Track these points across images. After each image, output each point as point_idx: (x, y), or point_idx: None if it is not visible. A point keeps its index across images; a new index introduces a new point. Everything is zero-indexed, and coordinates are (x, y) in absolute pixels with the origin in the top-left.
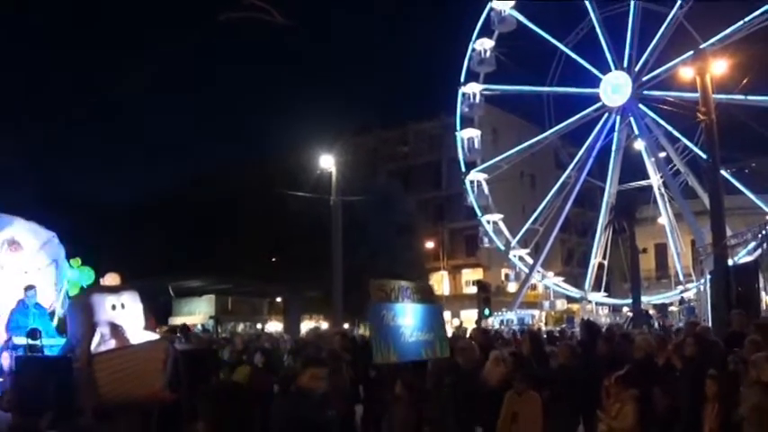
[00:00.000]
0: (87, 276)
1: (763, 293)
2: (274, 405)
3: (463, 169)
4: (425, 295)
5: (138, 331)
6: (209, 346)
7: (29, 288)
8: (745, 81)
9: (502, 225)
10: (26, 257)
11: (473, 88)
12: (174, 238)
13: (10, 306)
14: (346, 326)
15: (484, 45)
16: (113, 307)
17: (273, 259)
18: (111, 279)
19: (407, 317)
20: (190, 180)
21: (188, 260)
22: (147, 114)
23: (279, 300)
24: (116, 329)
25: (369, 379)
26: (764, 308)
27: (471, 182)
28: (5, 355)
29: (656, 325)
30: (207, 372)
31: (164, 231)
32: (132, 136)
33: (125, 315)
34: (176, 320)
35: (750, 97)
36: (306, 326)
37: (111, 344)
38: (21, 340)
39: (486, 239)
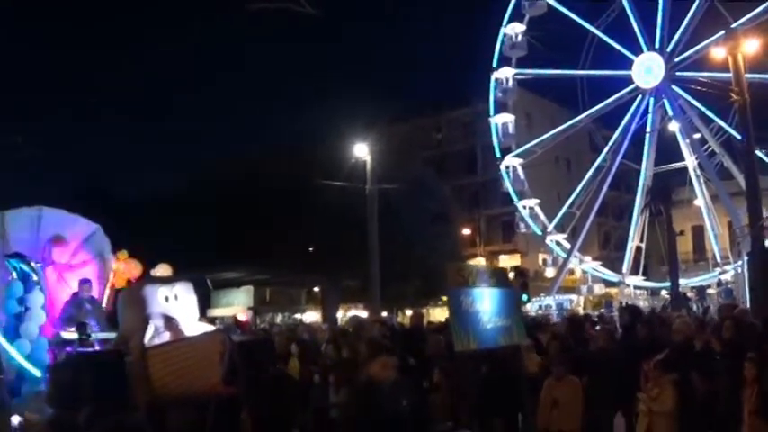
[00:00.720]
0: (134, 269)
1: None
2: (346, 395)
3: (498, 155)
4: (501, 279)
5: (192, 323)
6: (266, 336)
7: (84, 282)
8: None
9: (538, 210)
10: (71, 251)
11: (506, 73)
12: (210, 229)
13: (60, 300)
14: (384, 314)
15: (515, 29)
16: (166, 298)
17: (310, 249)
18: (162, 270)
19: (485, 302)
20: (225, 170)
21: (225, 251)
22: (182, 105)
23: (316, 289)
24: (170, 321)
25: (408, 367)
26: None
27: (507, 167)
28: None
29: (695, 308)
30: (263, 363)
31: (200, 222)
32: (168, 128)
33: (178, 307)
34: (214, 312)
35: None
36: (343, 315)
37: (165, 336)
38: (71, 334)
39: (522, 225)
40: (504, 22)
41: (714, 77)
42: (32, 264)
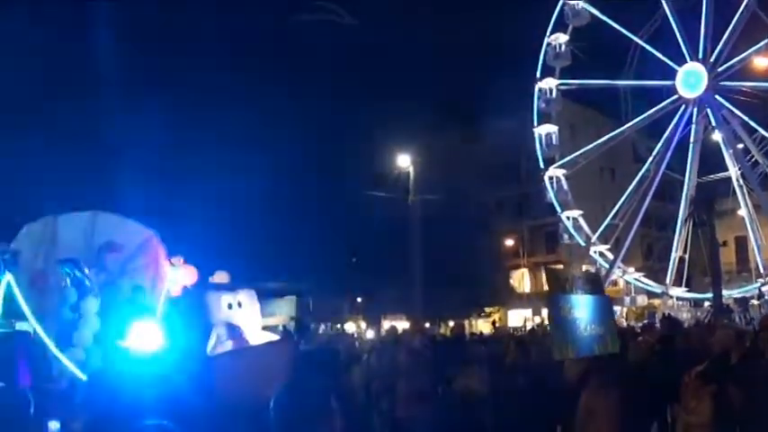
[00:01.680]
0: (190, 276)
1: None
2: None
3: (542, 165)
4: (595, 285)
5: (255, 332)
6: (330, 346)
7: (137, 289)
8: None
9: (582, 221)
10: (125, 258)
11: (549, 83)
12: (252, 237)
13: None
14: (426, 325)
15: (558, 39)
16: (230, 306)
17: (354, 259)
18: (219, 278)
19: (582, 309)
20: (270, 178)
21: (267, 261)
22: (222, 112)
23: (359, 300)
24: (233, 330)
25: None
26: None
27: (550, 178)
28: None
29: (738, 319)
30: (330, 375)
31: (243, 230)
32: (208, 137)
33: (242, 315)
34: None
35: None
36: (387, 325)
37: (228, 345)
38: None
39: (566, 236)
40: (548, 32)
41: (757, 87)
42: (86, 269)
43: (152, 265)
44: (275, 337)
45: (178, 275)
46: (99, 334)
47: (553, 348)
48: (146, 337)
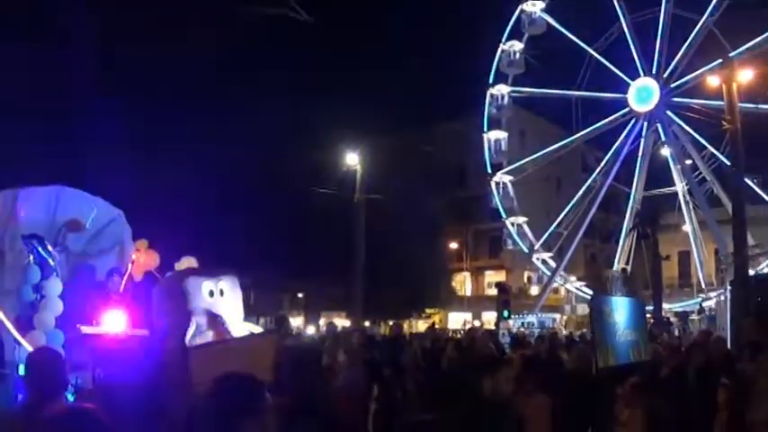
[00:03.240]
0: (153, 261)
1: None
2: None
3: (489, 170)
4: (631, 286)
5: (238, 322)
6: (314, 343)
7: (117, 273)
8: None
9: (526, 228)
10: (88, 238)
11: (501, 90)
12: (195, 230)
13: (74, 291)
14: (366, 324)
15: (513, 47)
16: (211, 293)
17: (296, 255)
18: (187, 263)
19: (620, 312)
20: (213, 173)
21: (208, 254)
22: (172, 108)
23: (300, 295)
24: (214, 319)
25: (383, 378)
26: None
27: (497, 183)
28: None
29: (677, 332)
30: (313, 373)
31: (181, 224)
32: (157, 133)
33: (224, 303)
34: None
35: None
36: (325, 322)
37: (209, 336)
38: (92, 330)
39: (509, 242)
40: (503, 39)
41: (708, 105)
42: (50, 248)
43: (116, 247)
44: (258, 329)
45: (141, 260)
46: (62, 318)
47: (598, 355)
48: (114, 324)
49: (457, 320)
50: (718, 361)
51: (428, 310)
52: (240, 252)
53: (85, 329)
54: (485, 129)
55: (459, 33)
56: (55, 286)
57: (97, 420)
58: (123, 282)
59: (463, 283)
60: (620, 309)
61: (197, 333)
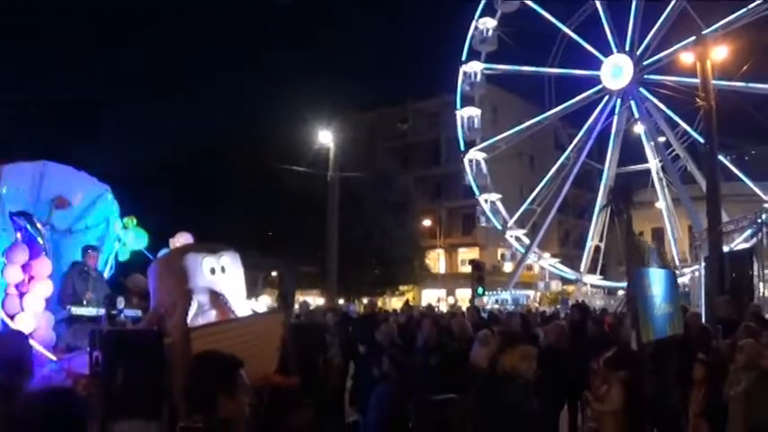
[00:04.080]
0: (141, 239)
1: (757, 281)
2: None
3: (462, 148)
4: (665, 258)
5: (240, 301)
6: (316, 322)
7: (91, 248)
8: (745, 68)
9: (499, 205)
10: (74, 215)
11: (474, 67)
12: (164, 208)
13: (60, 271)
14: (341, 301)
15: (486, 24)
16: (212, 270)
17: (270, 233)
18: (183, 239)
19: (657, 285)
20: (184, 149)
21: (181, 231)
22: (148, 83)
23: (274, 274)
24: (216, 298)
25: (358, 355)
26: (759, 295)
27: (470, 161)
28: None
29: None
30: (317, 352)
31: (154, 201)
32: (128, 105)
33: (226, 280)
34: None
35: (751, 84)
36: (299, 300)
37: (211, 316)
38: (81, 311)
39: (483, 219)
40: (476, 17)
41: (682, 82)
42: (39, 225)
43: (102, 224)
44: (261, 308)
45: (129, 238)
46: (52, 299)
47: (641, 330)
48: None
49: (431, 297)
50: (695, 336)
51: (402, 288)
52: (212, 231)
53: (76, 310)
54: (458, 106)
55: (433, 11)
56: (43, 266)
57: (76, 400)
58: (109, 260)
59: (437, 261)
60: (657, 281)
61: (199, 312)
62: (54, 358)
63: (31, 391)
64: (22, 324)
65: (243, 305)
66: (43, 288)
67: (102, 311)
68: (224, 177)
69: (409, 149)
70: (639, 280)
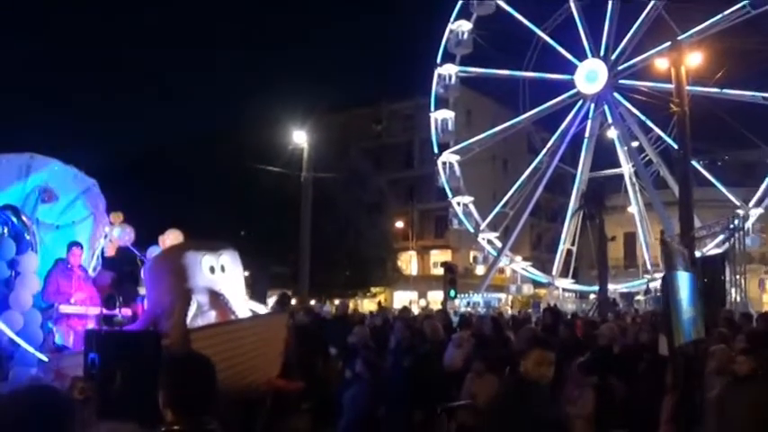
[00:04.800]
0: (128, 236)
1: (729, 286)
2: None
3: (436, 150)
4: (687, 261)
5: (240, 301)
6: (317, 322)
7: (75, 245)
8: (720, 74)
9: (472, 207)
10: (60, 209)
11: (449, 70)
12: (136, 207)
13: (45, 268)
14: (312, 302)
15: (461, 27)
16: (212, 269)
17: (242, 233)
18: (174, 237)
19: (684, 288)
20: (156, 148)
21: (153, 231)
22: (121, 81)
23: (246, 274)
24: (216, 298)
25: (329, 356)
26: (731, 300)
27: (443, 163)
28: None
29: (622, 312)
30: (315, 354)
31: (125, 200)
32: (102, 104)
33: (226, 280)
34: (142, 291)
35: (725, 91)
36: (272, 301)
37: (211, 316)
38: (69, 309)
39: (455, 221)
40: (452, 19)
41: (656, 87)
42: (25, 219)
43: (88, 219)
44: (262, 308)
45: (114, 234)
46: (40, 296)
47: (674, 333)
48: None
49: (403, 300)
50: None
51: (374, 289)
52: (184, 231)
53: (64, 308)
54: (432, 108)
55: (408, 13)
56: (31, 261)
57: (59, 398)
58: (94, 256)
59: (409, 263)
60: (683, 285)
61: (198, 313)
62: (45, 359)
63: (10, 390)
64: (9, 322)
65: (243, 306)
66: (31, 284)
67: (92, 310)
68: (198, 175)
69: (383, 151)
70: (671, 284)
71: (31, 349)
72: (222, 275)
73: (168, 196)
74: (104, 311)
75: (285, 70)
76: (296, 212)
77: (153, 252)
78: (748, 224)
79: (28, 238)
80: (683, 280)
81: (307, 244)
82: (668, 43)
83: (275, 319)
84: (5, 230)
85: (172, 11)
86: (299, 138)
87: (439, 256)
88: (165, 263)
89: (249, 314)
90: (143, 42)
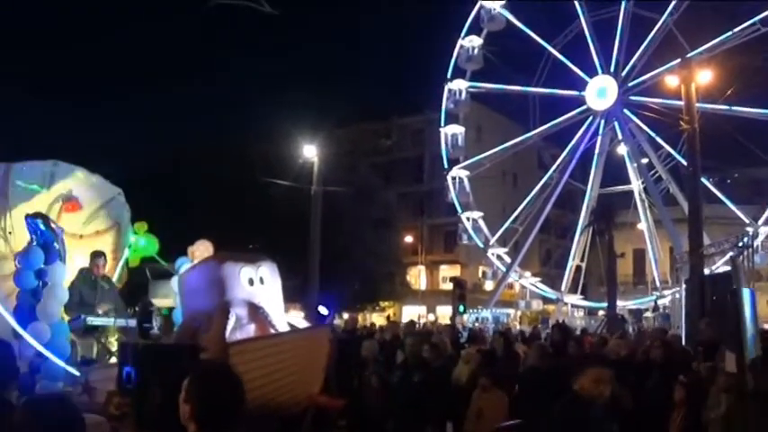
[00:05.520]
0: (151, 247)
1: None
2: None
3: (446, 165)
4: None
5: (279, 314)
6: (354, 334)
7: (97, 256)
8: (730, 91)
9: (482, 223)
10: (83, 218)
11: (459, 85)
12: (151, 219)
13: (68, 278)
14: None
15: (472, 42)
16: (251, 281)
17: (251, 246)
18: (204, 248)
19: (747, 305)
20: (170, 162)
21: (166, 243)
22: (121, 95)
23: None
24: (256, 311)
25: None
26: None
27: (453, 178)
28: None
29: (631, 329)
30: (352, 370)
31: (140, 212)
32: (113, 121)
33: (265, 292)
34: (154, 303)
35: (735, 108)
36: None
37: (250, 330)
38: (97, 321)
39: (465, 236)
40: (462, 35)
41: (666, 104)
42: (54, 227)
43: (113, 229)
44: (302, 322)
45: (139, 244)
46: (69, 307)
47: (745, 349)
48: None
49: (411, 314)
50: (677, 358)
51: (383, 304)
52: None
53: (91, 320)
54: (442, 123)
55: (419, 28)
56: (60, 272)
57: (71, 407)
58: (119, 268)
59: (418, 277)
60: (747, 301)
61: (237, 326)
62: (77, 373)
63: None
64: (36, 334)
65: (283, 319)
66: (59, 295)
67: (119, 321)
68: (210, 188)
69: (393, 165)
70: (740, 300)
71: (60, 362)
72: (261, 288)
73: (177, 209)
74: (142, 323)
75: (295, 84)
76: (305, 226)
77: (182, 264)
78: (757, 242)
79: (57, 247)
80: (746, 296)
81: (316, 257)
82: (678, 60)
83: (318, 332)
84: (34, 239)
85: (186, 24)
86: (309, 152)
87: (448, 271)
88: (203, 274)
89: (287, 328)
90: (153, 56)
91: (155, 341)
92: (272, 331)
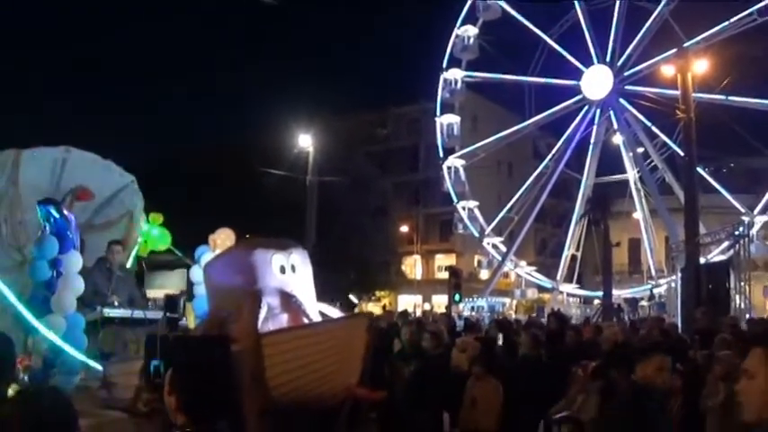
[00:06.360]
0: (164, 239)
1: (733, 293)
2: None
3: (441, 155)
4: None
5: (312, 303)
6: (387, 325)
7: (116, 243)
8: (726, 81)
9: (477, 212)
10: (95, 208)
11: (455, 74)
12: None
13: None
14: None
15: (468, 32)
16: (282, 269)
17: (247, 236)
18: (225, 236)
19: None
20: (165, 152)
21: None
22: (121, 84)
23: None
24: (288, 300)
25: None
26: (735, 307)
27: (449, 168)
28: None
29: (626, 318)
30: (382, 359)
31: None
32: (112, 111)
33: (297, 281)
34: (149, 294)
35: (731, 98)
36: None
37: (283, 320)
38: (113, 312)
39: (460, 225)
40: (458, 24)
41: (662, 94)
42: (67, 214)
43: (125, 218)
44: (335, 311)
45: (151, 236)
46: (84, 298)
47: None
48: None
49: (407, 303)
50: (674, 345)
51: (378, 293)
52: (190, 234)
53: (108, 312)
54: (438, 113)
55: (414, 18)
56: (75, 261)
57: (62, 399)
58: (131, 257)
59: (413, 267)
60: None
61: (269, 316)
62: (100, 367)
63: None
64: (52, 326)
65: (315, 308)
66: (74, 285)
67: (135, 313)
68: (202, 179)
69: (388, 155)
70: None
71: (78, 355)
72: (293, 276)
73: (174, 199)
74: (168, 315)
75: (291, 74)
76: (301, 216)
77: (203, 253)
78: (753, 231)
79: (71, 235)
80: None
81: (311, 247)
82: (674, 50)
83: (355, 321)
84: (47, 227)
85: (183, 17)
86: (305, 141)
87: (444, 261)
88: (232, 262)
89: (319, 317)
90: (152, 48)
91: (183, 333)
92: (306, 321)
